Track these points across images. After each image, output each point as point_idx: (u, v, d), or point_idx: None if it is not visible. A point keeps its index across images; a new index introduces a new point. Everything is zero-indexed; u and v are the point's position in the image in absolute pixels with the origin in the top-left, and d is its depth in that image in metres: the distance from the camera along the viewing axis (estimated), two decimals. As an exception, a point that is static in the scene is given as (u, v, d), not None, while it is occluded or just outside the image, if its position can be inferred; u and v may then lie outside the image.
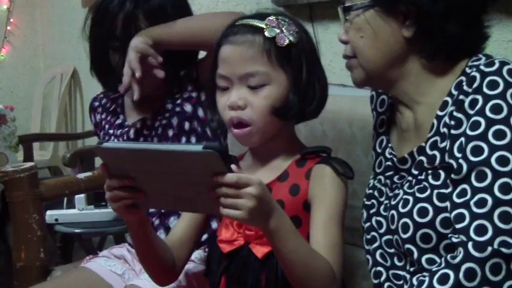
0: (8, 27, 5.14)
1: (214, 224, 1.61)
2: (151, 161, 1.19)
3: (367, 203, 1.47)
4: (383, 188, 1.44)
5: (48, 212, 2.52)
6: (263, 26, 1.39)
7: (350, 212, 1.56)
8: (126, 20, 1.85)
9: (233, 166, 1.16)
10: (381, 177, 1.46)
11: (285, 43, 1.38)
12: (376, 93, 1.55)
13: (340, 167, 1.42)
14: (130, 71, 1.74)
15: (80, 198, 2.54)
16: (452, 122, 1.27)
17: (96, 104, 2.07)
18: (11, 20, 5.16)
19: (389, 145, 1.45)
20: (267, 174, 1.45)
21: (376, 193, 1.46)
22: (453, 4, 1.30)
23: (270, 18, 1.40)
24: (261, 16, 1.42)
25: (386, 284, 1.38)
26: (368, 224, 1.45)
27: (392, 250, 1.37)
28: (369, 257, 1.44)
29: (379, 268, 1.40)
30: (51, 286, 1.89)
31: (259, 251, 1.39)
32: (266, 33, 1.38)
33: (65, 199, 2.66)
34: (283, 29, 1.39)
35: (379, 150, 1.49)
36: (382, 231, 1.40)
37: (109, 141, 1.23)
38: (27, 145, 3.70)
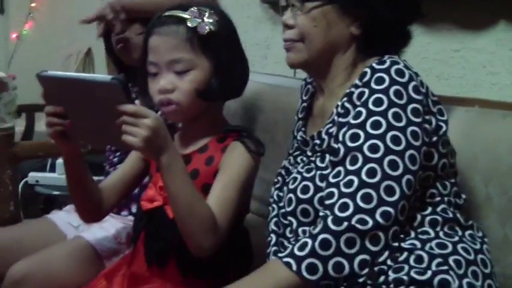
0: (33, 4, 5.36)
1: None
2: (73, 90, 1.40)
3: (274, 180, 1.64)
4: (290, 167, 1.60)
5: (31, 174, 2.73)
6: (186, 16, 1.56)
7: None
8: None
9: (137, 101, 1.35)
10: (291, 157, 1.62)
11: (206, 32, 1.55)
12: (305, 83, 1.71)
13: (252, 145, 1.59)
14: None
15: (60, 163, 2.73)
16: (342, 111, 1.44)
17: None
18: (37, -3, 5.39)
19: (303, 129, 1.61)
20: (190, 146, 1.64)
21: (283, 171, 1.62)
22: (401, 13, 1.48)
23: (192, 9, 1.57)
24: (185, 7, 1.58)
25: (273, 249, 1.53)
26: (271, 199, 1.61)
27: (286, 222, 1.53)
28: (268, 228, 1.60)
29: (271, 235, 1.56)
30: (11, 229, 2.12)
31: (171, 212, 1.53)
32: (188, 23, 1.55)
33: (48, 164, 2.87)
34: (204, 18, 1.56)
35: (295, 134, 1.66)
36: (281, 204, 1.56)
37: (48, 71, 1.42)
38: (29, 114, 3.89)
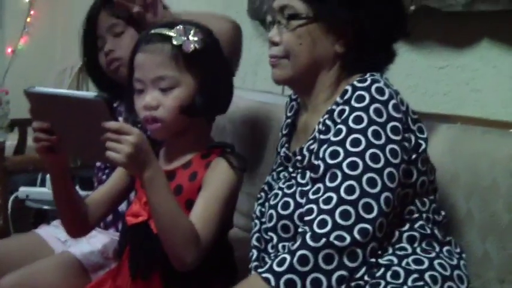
0: (28, 19, 5.40)
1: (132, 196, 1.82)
2: (59, 106, 1.43)
3: (258, 196, 1.65)
4: (273, 183, 1.63)
5: (21, 188, 2.74)
6: (171, 34, 1.58)
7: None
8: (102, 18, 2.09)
9: (120, 118, 1.38)
10: (274, 173, 1.65)
11: (190, 50, 1.57)
12: (290, 99, 1.73)
13: (235, 161, 1.60)
14: None
15: (51, 178, 2.75)
16: (323, 128, 1.46)
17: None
18: (32, 13, 5.42)
19: (286, 145, 1.63)
20: (175, 162, 1.66)
21: (266, 187, 1.64)
22: (386, 32, 1.50)
23: (177, 27, 1.59)
24: (171, 25, 1.61)
25: (254, 264, 1.55)
26: (254, 214, 1.63)
27: (267, 237, 1.55)
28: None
29: (253, 250, 1.58)
30: (2, 243, 2.14)
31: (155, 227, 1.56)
32: (174, 41, 1.57)
33: (39, 178, 2.88)
34: (189, 36, 1.58)
35: (279, 150, 1.68)
36: (263, 220, 1.58)
37: (35, 87, 1.46)
38: (22, 129, 3.92)
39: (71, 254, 1.91)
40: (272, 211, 1.50)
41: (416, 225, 1.46)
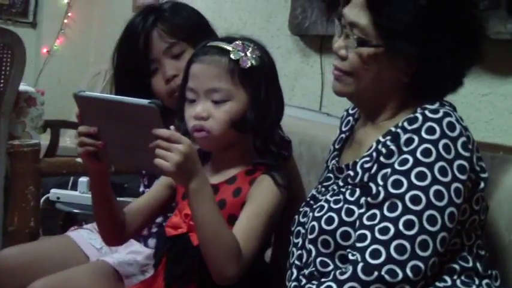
0: (65, 21, 5.45)
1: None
2: (109, 111, 1.43)
3: (300, 209, 1.62)
4: (318, 195, 1.60)
5: (53, 190, 2.77)
6: (230, 48, 1.59)
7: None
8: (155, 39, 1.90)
9: (172, 127, 1.39)
10: (319, 186, 1.62)
11: (247, 66, 1.58)
12: (346, 114, 1.71)
13: (280, 179, 1.60)
14: None
15: (82, 182, 2.76)
16: (384, 150, 1.42)
17: None
18: (69, 14, 5.48)
19: (336, 158, 1.61)
20: (219, 176, 1.66)
21: (311, 201, 1.61)
22: (458, 63, 1.47)
23: (236, 42, 1.60)
24: (230, 40, 1.62)
25: (293, 284, 1.51)
26: (297, 228, 1.59)
27: (306, 250, 1.51)
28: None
29: (293, 269, 1.54)
30: (33, 246, 2.11)
31: (196, 239, 1.54)
32: (231, 56, 1.58)
33: (70, 182, 2.90)
34: (247, 52, 1.59)
35: (328, 163, 1.65)
36: (303, 232, 1.55)
37: (85, 92, 1.47)
38: (54, 130, 3.94)
39: (106, 263, 1.89)
40: (315, 223, 1.47)
41: (457, 257, 1.43)
